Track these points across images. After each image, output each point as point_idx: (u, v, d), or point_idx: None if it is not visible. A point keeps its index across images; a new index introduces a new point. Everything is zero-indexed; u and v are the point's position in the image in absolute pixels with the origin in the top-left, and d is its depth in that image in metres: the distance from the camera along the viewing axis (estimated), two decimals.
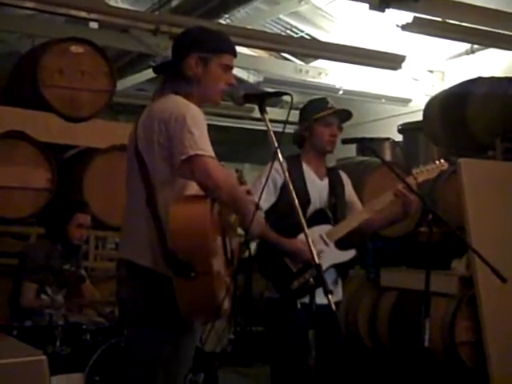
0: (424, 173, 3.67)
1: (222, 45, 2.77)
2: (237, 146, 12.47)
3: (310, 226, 3.34)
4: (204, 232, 2.43)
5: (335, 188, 3.73)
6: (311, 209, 3.59)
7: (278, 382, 3.59)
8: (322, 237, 3.54)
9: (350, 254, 3.66)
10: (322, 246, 3.50)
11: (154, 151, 2.58)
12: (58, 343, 3.92)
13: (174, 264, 2.44)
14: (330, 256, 3.52)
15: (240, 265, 3.88)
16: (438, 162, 3.74)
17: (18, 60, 6.00)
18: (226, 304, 2.62)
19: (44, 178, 5.29)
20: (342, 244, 3.61)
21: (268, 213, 3.49)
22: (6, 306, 4.52)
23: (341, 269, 3.69)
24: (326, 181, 3.73)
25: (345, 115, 3.72)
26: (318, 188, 3.66)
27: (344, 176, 3.86)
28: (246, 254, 3.54)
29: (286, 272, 3.50)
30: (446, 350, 5.11)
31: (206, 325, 2.78)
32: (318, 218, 3.59)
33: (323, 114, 3.63)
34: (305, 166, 3.68)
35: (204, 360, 4.26)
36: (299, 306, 3.40)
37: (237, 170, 3.11)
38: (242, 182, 2.83)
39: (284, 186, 3.49)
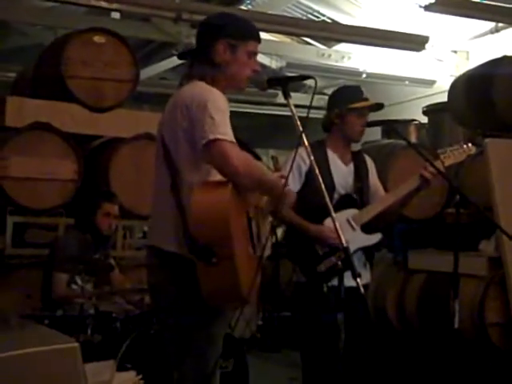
0: (451, 157, 3.66)
1: (249, 31, 2.78)
2: (260, 131, 12.46)
3: (336, 210, 3.33)
4: (225, 217, 2.45)
5: (360, 172, 3.74)
6: (336, 194, 3.60)
7: (309, 365, 3.61)
8: (348, 221, 3.56)
9: (376, 237, 3.67)
10: (348, 230, 3.51)
11: (177, 136, 2.61)
12: (89, 332, 3.97)
13: (196, 250, 2.46)
14: (356, 240, 3.53)
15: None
16: (465, 146, 3.72)
17: (42, 52, 6.04)
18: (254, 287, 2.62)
19: (71, 168, 5.33)
20: (368, 228, 3.62)
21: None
22: (38, 296, 4.58)
23: (368, 252, 3.70)
24: (351, 166, 3.73)
25: (379, 107, 3.73)
26: (342, 173, 3.67)
27: (369, 160, 3.87)
28: (273, 239, 3.55)
29: (313, 255, 3.52)
30: (475, 332, 5.08)
31: (235, 310, 2.80)
32: (344, 203, 3.60)
33: (360, 105, 3.64)
34: (329, 152, 3.68)
35: (233, 346, 4.28)
36: (326, 289, 3.42)
37: (272, 157, 3.15)
38: (276, 168, 2.84)
39: (309, 173, 3.50)
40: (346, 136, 3.70)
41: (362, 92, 3.71)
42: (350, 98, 3.67)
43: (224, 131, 2.51)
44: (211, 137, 2.48)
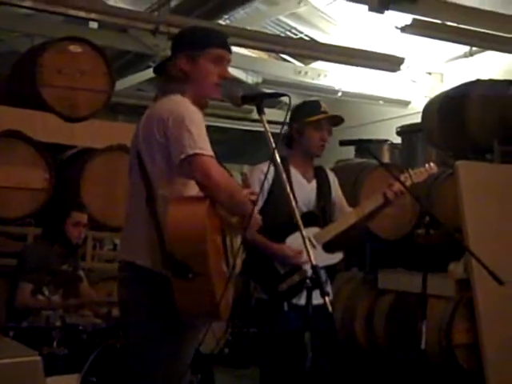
0: (413, 176, 3.66)
1: (208, 40, 2.77)
2: (236, 147, 12.47)
3: (297, 228, 3.32)
4: (202, 233, 2.44)
5: (323, 189, 3.71)
6: (298, 212, 3.57)
7: (265, 381, 3.59)
8: (309, 239, 3.53)
9: (337, 256, 3.65)
10: (309, 248, 3.49)
11: (152, 151, 2.61)
12: (54, 344, 3.91)
13: (172, 265, 2.44)
14: (317, 258, 3.51)
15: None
16: (427, 165, 3.74)
17: (17, 59, 6.00)
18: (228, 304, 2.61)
19: (42, 178, 5.28)
20: (329, 246, 3.60)
21: None
22: (3, 306, 4.51)
23: (330, 270, 3.69)
24: (313, 183, 3.70)
25: (337, 120, 3.70)
26: (305, 191, 3.63)
27: (331, 175, 3.83)
28: (245, 255, 3.53)
29: (274, 274, 3.50)
30: (442, 353, 5.10)
31: (205, 326, 2.80)
32: (306, 221, 3.56)
33: (316, 118, 3.61)
34: (292, 169, 3.64)
35: (200, 361, 4.25)
36: (286, 308, 3.41)
37: (241, 173, 3.13)
38: (246, 184, 2.83)
39: (271, 191, 3.49)
40: (305, 151, 3.67)
41: (321, 105, 3.69)
42: (308, 113, 3.64)
43: (203, 146, 2.51)
44: (190, 152, 2.48)
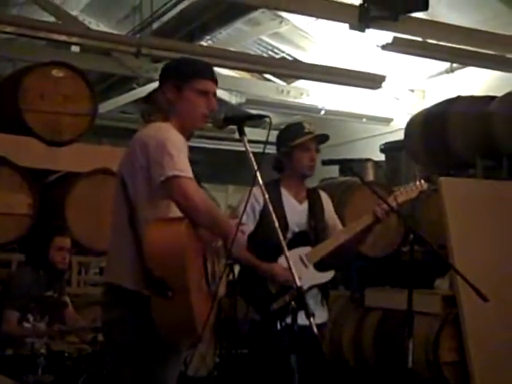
0: (403, 194, 3.69)
1: (194, 71, 2.82)
2: (220, 167, 12.47)
3: (289, 248, 3.33)
4: (179, 250, 2.47)
5: (315, 210, 3.75)
6: (289, 233, 3.60)
7: None
8: (301, 258, 3.55)
9: (328, 275, 3.67)
10: (300, 267, 3.51)
11: (136, 175, 2.65)
12: (39, 371, 3.87)
13: (151, 283, 2.47)
14: (308, 277, 3.52)
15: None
16: (417, 183, 3.77)
17: None
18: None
19: (25, 203, 5.24)
20: (321, 265, 3.62)
21: (248, 238, 3.48)
22: None
23: (324, 290, 3.70)
24: (305, 204, 3.74)
25: (322, 138, 3.75)
26: (296, 212, 3.68)
27: (324, 196, 3.88)
28: (230, 276, 3.53)
29: (266, 294, 3.51)
30: (430, 370, 5.10)
31: (190, 348, 2.80)
32: (298, 241, 3.60)
33: (302, 140, 3.66)
34: (283, 191, 3.70)
35: None
36: (279, 327, 3.41)
37: (229, 206, 3.15)
38: (232, 216, 2.84)
39: (263, 212, 3.51)
40: (296, 173, 3.72)
41: (304, 127, 3.74)
42: (294, 135, 3.70)
43: (182, 168, 2.55)
44: (170, 173, 2.53)
